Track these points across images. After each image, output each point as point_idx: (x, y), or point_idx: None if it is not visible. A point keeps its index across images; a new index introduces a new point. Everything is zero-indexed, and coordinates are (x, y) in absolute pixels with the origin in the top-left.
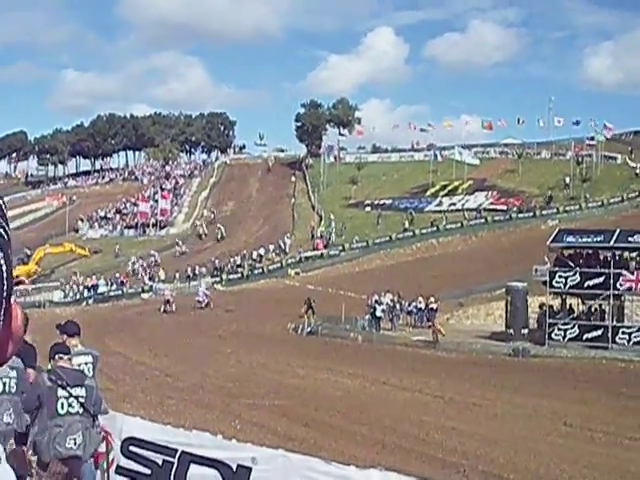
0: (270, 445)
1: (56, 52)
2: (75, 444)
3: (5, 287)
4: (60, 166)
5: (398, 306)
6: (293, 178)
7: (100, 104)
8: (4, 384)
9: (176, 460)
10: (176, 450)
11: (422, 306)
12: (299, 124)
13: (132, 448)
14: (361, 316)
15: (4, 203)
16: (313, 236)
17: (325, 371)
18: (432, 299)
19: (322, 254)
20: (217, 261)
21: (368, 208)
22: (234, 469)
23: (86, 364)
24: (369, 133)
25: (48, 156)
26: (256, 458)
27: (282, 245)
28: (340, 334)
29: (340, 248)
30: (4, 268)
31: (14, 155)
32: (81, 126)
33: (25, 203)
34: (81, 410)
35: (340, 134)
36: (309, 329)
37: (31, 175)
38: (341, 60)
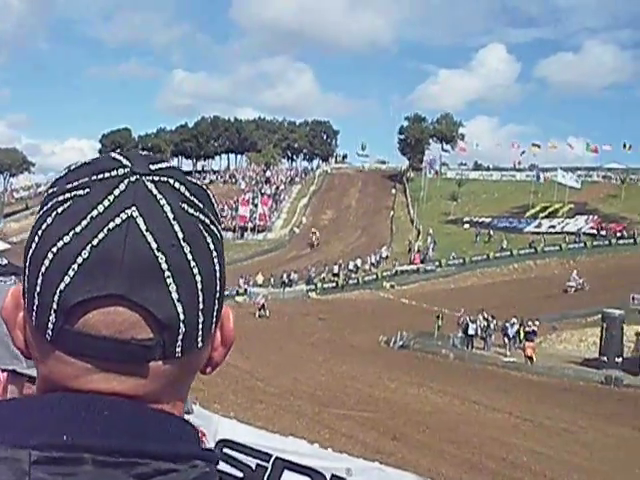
0: (359, 457)
1: (168, 52)
2: None
3: (219, 287)
4: None
5: (492, 325)
6: (393, 190)
7: (206, 105)
8: None
9: (270, 465)
10: (270, 455)
11: (517, 327)
12: (402, 137)
13: (226, 450)
14: (454, 333)
15: (215, 199)
16: (410, 250)
17: (415, 386)
18: (531, 322)
19: (418, 268)
20: (313, 269)
21: (467, 225)
22: (328, 478)
23: None
24: (472, 150)
25: (151, 154)
26: (351, 469)
27: (379, 257)
28: (432, 350)
29: (437, 264)
30: (218, 268)
31: (118, 151)
32: (185, 126)
33: None
34: None
35: (443, 149)
36: (401, 343)
37: None
38: (451, 75)
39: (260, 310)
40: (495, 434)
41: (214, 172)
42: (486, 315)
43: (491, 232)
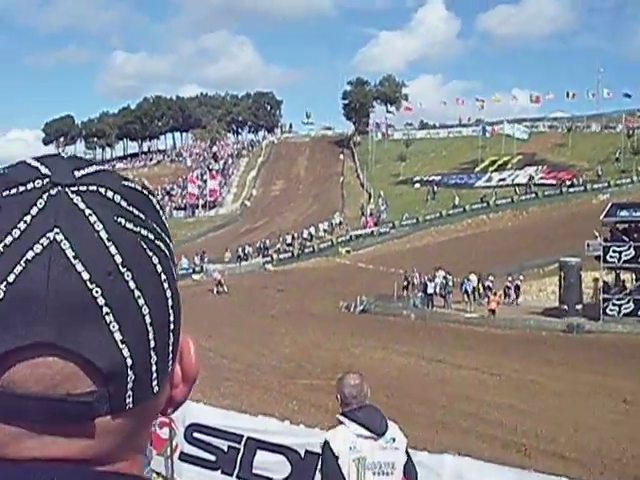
0: (332, 427)
1: (106, 34)
2: None
3: (172, 317)
4: (108, 149)
5: (450, 282)
6: (341, 156)
7: (149, 85)
8: None
9: (242, 446)
10: (242, 436)
11: (475, 283)
12: (346, 102)
13: (196, 434)
14: (413, 293)
15: (160, 205)
16: (363, 214)
17: (380, 350)
18: (490, 277)
19: (372, 232)
20: (267, 241)
21: (417, 185)
22: (302, 455)
23: None
24: (417, 110)
25: (95, 139)
26: None
27: (332, 223)
28: (393, 312)
29: (390, 225)
30: (169, 293)
31: (62, 139)
32: (127, 109)
33: None
34: None
35: (387, 111)
36: (362, 307)
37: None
38: (391, 36)
39: (218, 286)
40: (463, 391)
41: (160, 152)
42: (443, 273)
43: (435, 189)
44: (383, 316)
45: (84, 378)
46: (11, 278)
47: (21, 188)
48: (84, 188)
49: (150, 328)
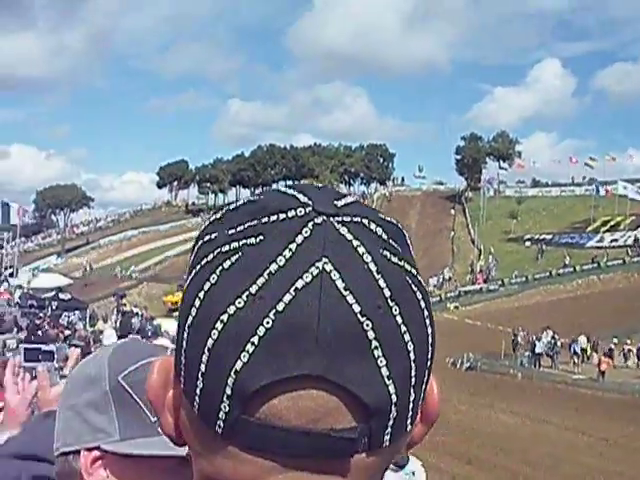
0: None
1: (224, 82)
2: None
3: (430, 355)
4: (220, 195)
5: (559, 343)
6: (452, 211)
7: (263, 134)
8: None
9: None
10: None
11: (584, 345)
12: (459, 157)
13: None
14: (521, 352)
15: (410, 240)
16: (472, 270)
17: (486, 407)
18: (599, 339)
19: (481, 288)
20: None
21: (528, 243)
22: None
23: None
24: (530, 167)
25: (208, 185)
26: None
27: (441, 279)
28: (499, 370)
29: (499, 283)
30: (430, 330)
31: (175, 183)
32: (241, 156)
33: (186, 230)
34: None
35: (500, 167)
36: (468, 364)
37: (192, 204)
38: (506, 93)
39: None
40: (569, 454)
41: None
42: (552, 332)
43: (545, 247)
44: (490, 374)
45: (346, 413)
46: (280, 307)
47: (282, 215)
48: (348, 218)
49: (413, 365)
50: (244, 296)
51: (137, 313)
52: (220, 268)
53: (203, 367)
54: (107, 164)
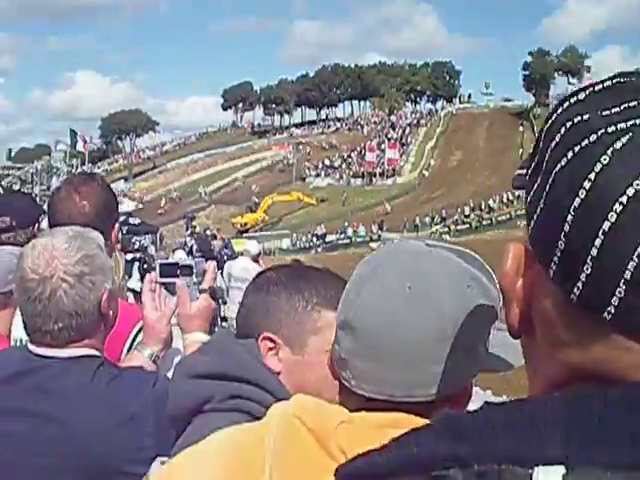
0: None
1: (288, 2)
2: None
3: None
4: (286, 116)
5: None
6: (521, 128)
7: (329, 54)
8: None
9: None
10: None
11: None
12: (526, 73)
13: None
14: None
15: None
16: None
17: None
18: None
19: None
20: (444, 211)
21: None
22: None
23: None
24: None
25: (274, 106)
26: None
27: (511, 196)
28: None
29: None
30: None
31: (240, 105)
32: (306, 76)
33: (252, 152)
34: None
35: (569, 83)
36: None
37: (257, 125)
38: (577, 5)
39: None
40: None
41: (338, 120)
42: None
43: None
44: None
45: None
46: None
47: None
48: None
49: None
50: None
51: (214, 235)
52: (611, 149)
53: (594, 251)
54: (172, 88)
